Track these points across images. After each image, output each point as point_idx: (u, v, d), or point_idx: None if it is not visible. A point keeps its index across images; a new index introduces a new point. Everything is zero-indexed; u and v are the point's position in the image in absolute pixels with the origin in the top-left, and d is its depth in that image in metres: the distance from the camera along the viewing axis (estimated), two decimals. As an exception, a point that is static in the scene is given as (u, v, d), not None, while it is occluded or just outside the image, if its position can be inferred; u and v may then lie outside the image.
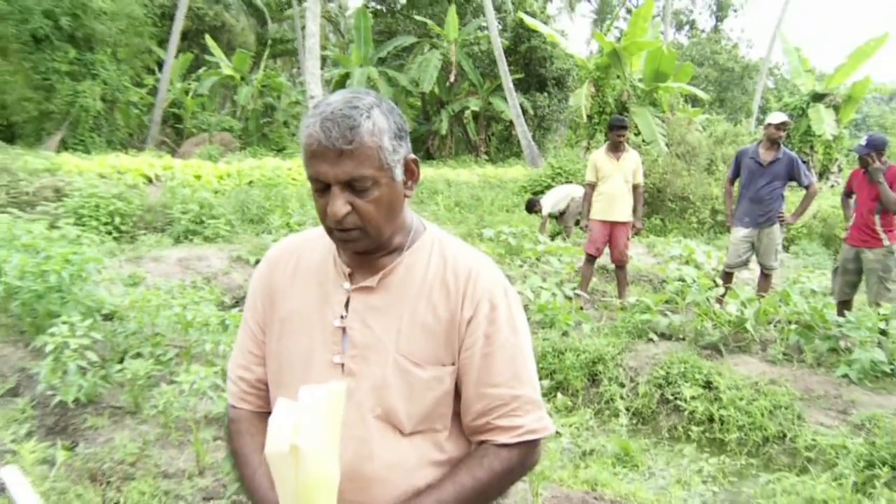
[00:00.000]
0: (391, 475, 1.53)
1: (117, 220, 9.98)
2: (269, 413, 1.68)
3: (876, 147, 6.79)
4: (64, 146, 19.14)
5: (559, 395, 5.62)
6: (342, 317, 1.56)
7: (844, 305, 7.01)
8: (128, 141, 22.57)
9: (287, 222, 9.96)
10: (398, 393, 1.52)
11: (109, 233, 9.68)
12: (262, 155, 18.82)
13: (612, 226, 8.25)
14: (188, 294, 5.30)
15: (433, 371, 1.54)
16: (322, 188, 1.46)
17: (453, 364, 1.55)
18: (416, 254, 1.59)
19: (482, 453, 1.56)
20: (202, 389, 3.89)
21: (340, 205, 1.44)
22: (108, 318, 5.39)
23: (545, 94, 27.61)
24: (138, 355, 4.84)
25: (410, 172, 1.55)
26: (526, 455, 1.58)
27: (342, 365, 1.55)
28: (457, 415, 1.60)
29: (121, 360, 4.86)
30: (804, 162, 8.47)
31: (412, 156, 1.54)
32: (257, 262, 8.21)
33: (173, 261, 8.28)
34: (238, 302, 7.19)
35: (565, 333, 6.62)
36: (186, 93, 27.16)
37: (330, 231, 1.51)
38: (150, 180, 12.90)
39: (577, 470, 4.45)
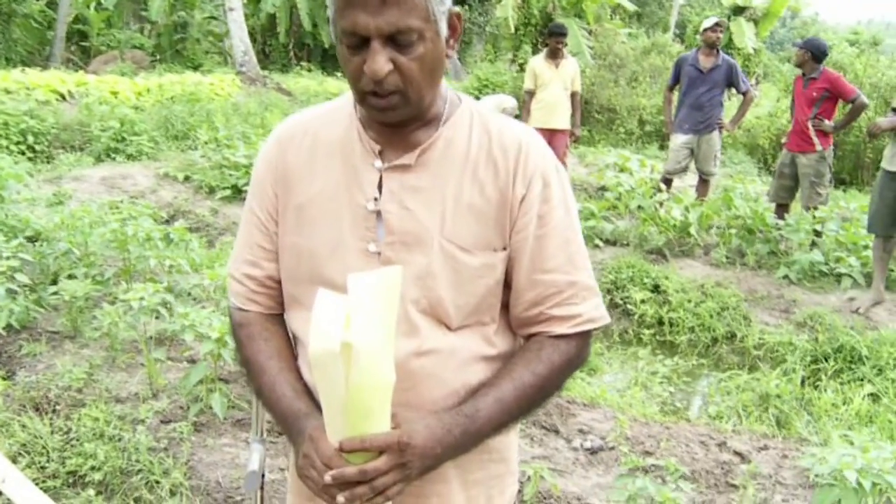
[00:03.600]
0: (441, 372, 1.35)
1: (30, 138, 9.31)
2: (281, 315, 1.50)
3: (812, 48, 6.83)
4: (-45, 62, 17.89)
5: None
6: (375, 199, 1.36)
7: (783, 209, 7.12)
8: (29, 59, 21.13)
9: (214, 137, 9.51)
10: (445, 283, 1.34)
11: (22, 152, 9.02)
12: (177, 73, 17.89)
13: (552, 133, 8.13)
14: (126, 209, 4.99)
15: (483, 257, 1.36)
16: (357, 44, 1.24)
17: (504, 249, 1.38)
18: (454, 127, 1.39)
19: (538, 346, 1.40)
20: (151, 307, 3.66)
21: (382, 62, 1.22)
22: (32, 240, 5.07)
23: (465, 6, 27.00)
24: (72, 277, 4.55)
25: (453, 28, 1.33)
26: (583, 346, 1.43)
27: (378, 254, 1.35)
28: (505, 306, 1.43)
29: (53, 283, 4.59)
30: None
31: (456, 8, 1.32)
32: (186, 178, 7.87)
33: (96, 180, 7.83)
34: (172, 217, 6.88)
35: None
36: (89, 6, 25.54)
37: (362, 97, 1.29)
38: (62, 97, 12.12)
39: (537, 375, 4.43)
